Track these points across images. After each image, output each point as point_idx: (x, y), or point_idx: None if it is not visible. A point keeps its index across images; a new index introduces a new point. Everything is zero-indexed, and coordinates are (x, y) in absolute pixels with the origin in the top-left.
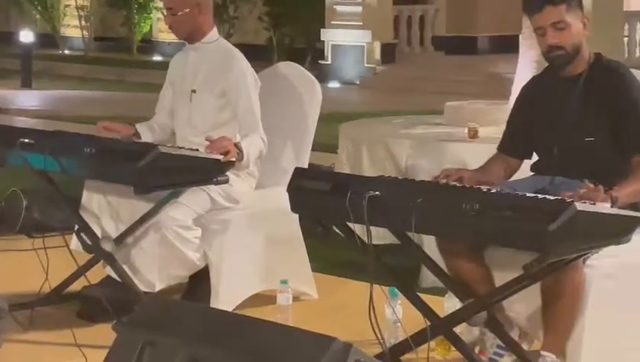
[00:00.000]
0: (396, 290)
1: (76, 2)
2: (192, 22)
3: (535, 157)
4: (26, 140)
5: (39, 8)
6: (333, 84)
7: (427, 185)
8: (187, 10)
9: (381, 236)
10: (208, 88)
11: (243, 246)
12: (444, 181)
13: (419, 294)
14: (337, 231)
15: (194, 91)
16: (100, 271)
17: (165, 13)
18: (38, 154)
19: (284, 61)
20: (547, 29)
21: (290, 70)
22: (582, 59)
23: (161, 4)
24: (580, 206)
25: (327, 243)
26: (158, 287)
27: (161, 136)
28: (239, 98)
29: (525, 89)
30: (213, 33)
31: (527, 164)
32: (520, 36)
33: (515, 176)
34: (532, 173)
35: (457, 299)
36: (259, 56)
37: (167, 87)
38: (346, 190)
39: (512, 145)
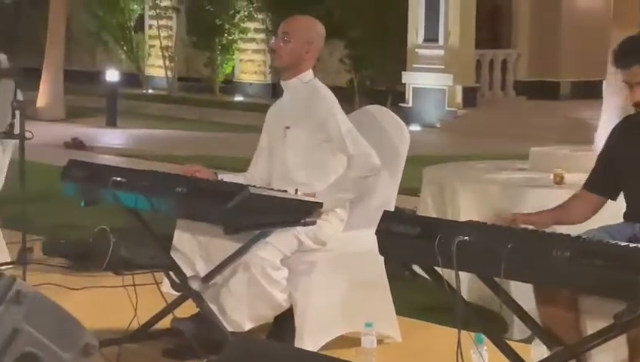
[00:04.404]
0: (482, 336)
1: (161, 43)
2: (297, 55)
3: (620, 200)
4: (119, 179)
5: (125, 48)
6: (414, 127)
7: (516, 231)
8: (299, 42)
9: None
10: (300, 124)
11: (328, 287)
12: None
13: (506, 340)
14: (425, 275)
15: (288, 127)
16: (189, 311)
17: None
18: (130, 193)
19: (365, 103)
20: (633, 85)
21: (378, 113)
22: None
23: (243, 46)
24: None
25: (411, 287)
26: (246, 327)
27: None
28: (330, 129)
29: (617, 128)
30: (309, 74)
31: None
32: (604, 82)
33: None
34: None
35: (545, 347)
36: (340, 97)
37: (263, 137)
38: (435, 234)
39: (598, 183)
